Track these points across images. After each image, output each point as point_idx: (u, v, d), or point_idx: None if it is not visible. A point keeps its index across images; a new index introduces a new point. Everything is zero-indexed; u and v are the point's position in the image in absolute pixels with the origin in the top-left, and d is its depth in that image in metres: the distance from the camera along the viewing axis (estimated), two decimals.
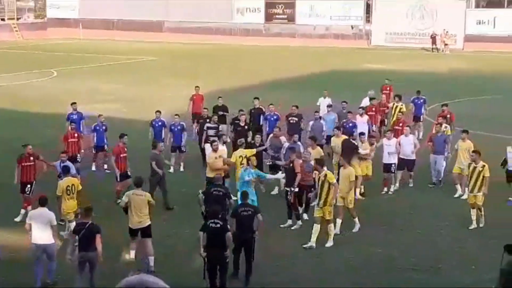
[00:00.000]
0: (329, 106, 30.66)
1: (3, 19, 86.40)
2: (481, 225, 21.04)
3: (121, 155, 23.38)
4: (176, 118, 27.94)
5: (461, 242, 20.24)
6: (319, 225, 19.25)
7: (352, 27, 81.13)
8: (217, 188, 19.56)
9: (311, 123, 28.27)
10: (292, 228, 21.06)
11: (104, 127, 27.36)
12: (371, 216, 22.16)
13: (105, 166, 26.91)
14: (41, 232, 16.54)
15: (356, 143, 25.02)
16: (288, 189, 21.31)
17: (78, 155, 25.44)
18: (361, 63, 61.78)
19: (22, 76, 51.88)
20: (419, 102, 33.21)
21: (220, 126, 28.17)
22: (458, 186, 24.29)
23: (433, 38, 73.23)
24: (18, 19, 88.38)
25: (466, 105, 41.97)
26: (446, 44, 72.76)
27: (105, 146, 27.01)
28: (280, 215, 21.42)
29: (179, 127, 27.55)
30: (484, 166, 20.92)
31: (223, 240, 16.30)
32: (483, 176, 20.88)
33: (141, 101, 41.33)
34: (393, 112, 31.57)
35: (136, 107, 39.11)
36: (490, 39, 72.40)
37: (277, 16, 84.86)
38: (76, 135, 26.09)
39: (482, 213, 21.05)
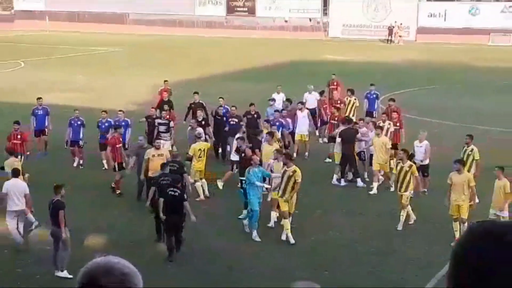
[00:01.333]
0: (287, 100, 29.46)
1: None
2: (410, 222, 19.90)
3: (117, 146, 22.93)
4: (120, 114, 26.23)
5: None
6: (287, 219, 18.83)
7: (310, 20, 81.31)
8: (172, 164, 20.18)
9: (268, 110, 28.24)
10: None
11: (79, 122, 26.01)
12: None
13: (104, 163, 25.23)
14: (16, 200, 17.89)
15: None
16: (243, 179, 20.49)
17: (23, 155, 24.10)
18: (319, 54, 62.02)
19: None
20: (371, 97, 31.21)
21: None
22: (375, 184, 23.27)
23: (390, 30, 73.80)
24: None
25: (416, 94, 42.41)
26: (400, 36, 73.39)
27: (80, 142, 25.82)
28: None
29: (123, 123, 25.52)
30: (411, 166, 19.88)
31: (181, 207, 17.55)
32: (411, 175, 19.69)
33: (105, 90, 41.20)
34: (348, 107, 30.20)
35: (100, 96, 38.94)
36: (441, 31, 73.05)
37: (238, 9, 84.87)
38: (19, 136, 24.71)
39: (404, 214, 19.68)
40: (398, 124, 25.82)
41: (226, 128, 26.55)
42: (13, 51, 61.12)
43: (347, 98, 30.54)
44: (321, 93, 31.53)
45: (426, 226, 19.86)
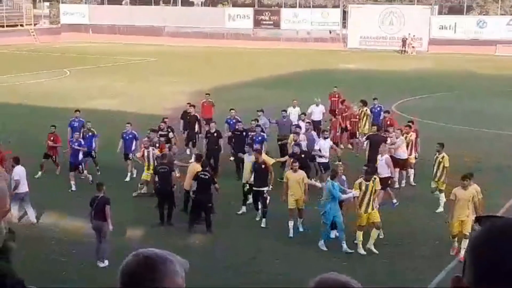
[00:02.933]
0: (303, 114, 27.53)
1: (21, 25, 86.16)
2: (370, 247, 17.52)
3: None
4: (128, 126, 24.64)
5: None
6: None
7: (330, 32, 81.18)
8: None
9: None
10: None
11: (131, 136, 24.43)
12: None
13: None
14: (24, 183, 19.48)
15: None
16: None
17: (56, 157, 23.96)
18: (338, 63, 61.93)
19: (39, 75, 51.83)
20: (376, 110, 29.15)
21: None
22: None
23: (404, 41, 73.51)
24: (35, 24, 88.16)
25: (427, 100, 42.24)
26: (413, 47, 73.09)
27: (130, 155, 24.19)
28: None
29: (130, 136, 24.28)
30: (375, 178, 17.79)
31: (209, 188, 18.84)
32: (375, 190, 17.56)
33: (142, 97, 41.38)
34: (362, 119, 29.00)
35: (138, 102, 39.12)
36: (451, 42, 72.65)
37: (264, 22, 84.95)
38: (52, 138, 24.05)
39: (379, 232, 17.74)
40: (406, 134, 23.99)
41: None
42: (60, 61, 61.67)
43: (359, 110, 29.21)
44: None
45: (436, 222, 19.67)
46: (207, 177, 18.81)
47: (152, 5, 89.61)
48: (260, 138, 23.73)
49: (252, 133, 24.24)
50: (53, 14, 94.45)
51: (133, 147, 24.03)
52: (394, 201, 20.95)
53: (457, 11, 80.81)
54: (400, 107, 38.74)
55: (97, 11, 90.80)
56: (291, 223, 18.42)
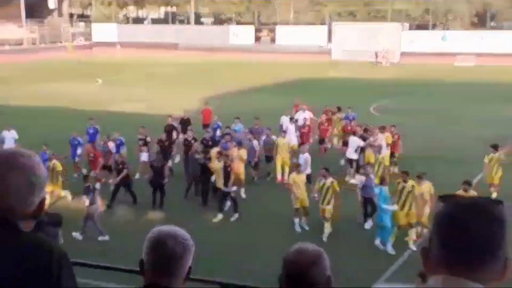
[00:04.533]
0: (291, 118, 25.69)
1: (61, 42, 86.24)
2: (324, 237, 16.55)
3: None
4: (116, 134, 22.95)
5: None
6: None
7: (320, 47, 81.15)
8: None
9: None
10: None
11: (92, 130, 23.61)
12: None
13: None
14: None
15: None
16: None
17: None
18: (324, 72, 61.94)
19: (75, 84, 51.85)
20: (350, 117, 27.06)
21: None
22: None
23: (376, 54, 73.40)
24: (72, 41, 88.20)
25: (398, 102, 42.28)
26: (386, 59, 73.01)
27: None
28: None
29: (118, 142, 22.55)
30: (332, 182, 16.98)
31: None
32: (332, 190, 16.87)
33: (160, 101, 41.40)
34: (336, 124, 27.07)
35: (155, 106, 39.15)
36: (419, 54, 72.70)
37: (262, 38, 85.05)
38: (91, 155, 21.48)
39: (328, 224, 16.71)
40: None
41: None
42: (92, 71, 61.65)
43: (335, 115, 27.50)
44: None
45: None
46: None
47: (169, 24, 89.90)
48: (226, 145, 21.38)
49: (222, 140, 22.11)
50: (87, 32, 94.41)
51: (121, 151, 22.09)
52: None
53: (423, 27, 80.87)
54: (376, 109, 38.79)
55: (124, 29, 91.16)
56: (296, 220, 17.52)
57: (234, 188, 18.73)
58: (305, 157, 20.23)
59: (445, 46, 73.99)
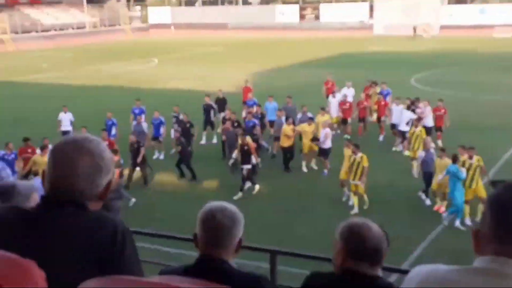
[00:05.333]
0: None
1: (119, 25, 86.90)
2: (364, 207, 16.14)
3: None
4: (156, 113, 22.31)
5: None
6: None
7: (360, 22, 79.80)
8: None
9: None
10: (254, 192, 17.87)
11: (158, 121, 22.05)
12: None
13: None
14: None
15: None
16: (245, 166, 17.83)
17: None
18: (366, 47, 60.83)
19: (133, 64, 52.28)
20: (385, 93, 25.15)
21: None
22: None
23: (414, 28, 71.63)
24: (130, 24, 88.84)
25: (438, 74, 41.19)
26: (427, 32, 71.31)
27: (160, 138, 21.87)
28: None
29: (158, 121, 21.97)
30: (362, 157, 16.30)
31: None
32: (362, 166, 16.21)
33: (211, 79, 41.32)
34: (372, 96, 25.74)
35: (207, 83, 39.08)
36: (458, 27, 70.84)
37: (307, 16, 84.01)
38: (106, 143, 20.10)
39: (365, 199, 16.25)
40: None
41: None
42: (149, 52, 62.05)
43: (372, 91, 26.15)
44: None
45: None
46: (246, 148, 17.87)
47: (218, 5, 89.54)
48: (251, 124, 20.88)
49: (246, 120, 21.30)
50: (143, 15, 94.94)
51: (161, 130, 21.79)
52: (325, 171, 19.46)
53: (462, 1, 78.57)
54: (417, 81, 37.90)
55: (177, 12, 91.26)
56: (345, 190, 16.92)
57: (249, 165, 17.80)
58: (325, 132, 19.50)
59: (483, 19, 71.79)
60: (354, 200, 16.24)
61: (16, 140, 18.82)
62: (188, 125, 21.44)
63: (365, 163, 16.27)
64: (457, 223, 14.90)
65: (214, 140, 23.72)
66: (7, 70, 48.46)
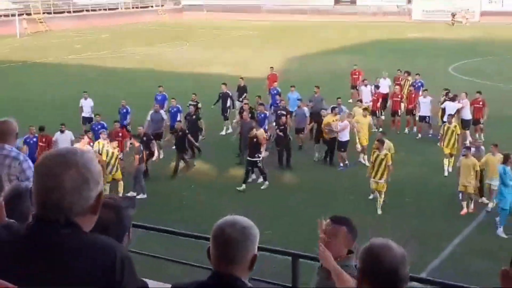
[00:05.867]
0: (299, 99, 22.53)
1: (151, 6, 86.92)
2: (379, 211, 15.53)
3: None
4: (173, 101, 22.28)
5: None
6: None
7: (398, 7, 78.46)
8: None
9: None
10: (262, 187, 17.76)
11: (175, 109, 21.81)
12: None
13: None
14: None
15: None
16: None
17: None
18: (405, 33, 59.73)
19: (165, 46, 52.24)
20: (417, 85, 24.57)
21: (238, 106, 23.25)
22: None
23: (453, 15, 69.95)
24: (162, 5, 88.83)
25: (472, 63, 40.18)
26: (467, 18, 69.75)
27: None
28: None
29: (175, 109, 21.85)
30: (386, 154, 15.63)
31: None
32: (385, 165, 15.49)
33: (245, 63, 40.97)
34: (405, 87, 24.86)
35: (242, 68, 38.80)
36: (499, 14, 69.18)
37: (342, 0, 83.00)
38: (120, 134, 19.31)
39: (382, 198, 15.63)
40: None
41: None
42: (181, 35, 61.88)
43: (404, 80, 25.43)
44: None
45: None
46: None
47: None
48: (262, 115, 20.76)
49: (257, 112, 21.09)
50: None
51: (178, 118, 21.29)
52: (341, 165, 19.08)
53: None
54: (455, 69, 37.07)
55: None
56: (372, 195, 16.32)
57: (260, 157, 17.63)
58: (343, 124, 19.00)
59: None
60: (379, 200, 15.53)
61: (38, 124, 19.02)
62: (194, 117, 20.70)
63: (389, 161, 15.51)
64: (500, 230, 14.06)
65: (223, 132, 23.16)
66: (39, 51, 48.83)
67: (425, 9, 74.64)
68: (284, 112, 20.29)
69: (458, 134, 18.63)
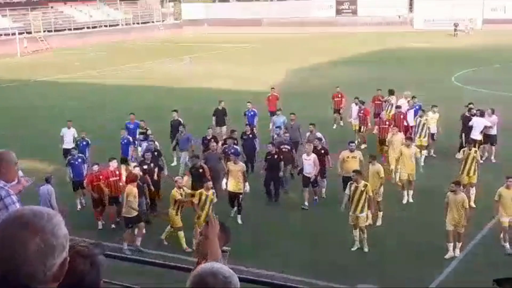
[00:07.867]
0: (277, 127, 21.09)
1: (152, 21, 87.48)
2: (365, 249, 14.30)
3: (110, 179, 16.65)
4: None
5: None
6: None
7: (399, 16, 78.78)
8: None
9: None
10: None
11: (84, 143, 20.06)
12: None
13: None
14: None
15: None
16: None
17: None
18: (407, 42, 60.01)
19: (166, 61, 52.49)
20: (415, 108, 22.56)
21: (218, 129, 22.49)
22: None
23: (455, 25, 69.72)
24: (162, 21, 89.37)
25: (476, 72, 40.34)
26: (471, 28, 69.83)
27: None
28: None
29: (84, 143, 19.99)
30: (366, 185, 14.42)
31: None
32: (366, 198, 14.35)
33: (246, 78, 41.24)
34: (386, 108, 23.51)
35: (243, 82, 39.03)
36: (502, 21, 69.39)
37: (344, 11, 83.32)
38: (117, 172, 16.95)
39: (365, 236, 14.37)
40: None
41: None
42: (182, 49, 62.22)
43: (386, 100, 24.02)
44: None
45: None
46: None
47: (253, 1, 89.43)
48: (252, 113, 20.10)
49: (246, 110, 20.82)
50: (176, 12, 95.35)
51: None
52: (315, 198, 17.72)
53: None
54: (458, 79, 37.23)
55: (211, 8, 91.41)
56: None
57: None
58: (313, 158, 17.34)
59: None
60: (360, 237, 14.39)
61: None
62: (156, 153, 18.52)
63: (370, 192, 14.46)
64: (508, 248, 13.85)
65: (174, 163, 21.18)
66: (40, 68, 49.15)
67: (427, 18, 74.97)
68: (288, 147, 18.78)
69: (477, 161, 17.14)
